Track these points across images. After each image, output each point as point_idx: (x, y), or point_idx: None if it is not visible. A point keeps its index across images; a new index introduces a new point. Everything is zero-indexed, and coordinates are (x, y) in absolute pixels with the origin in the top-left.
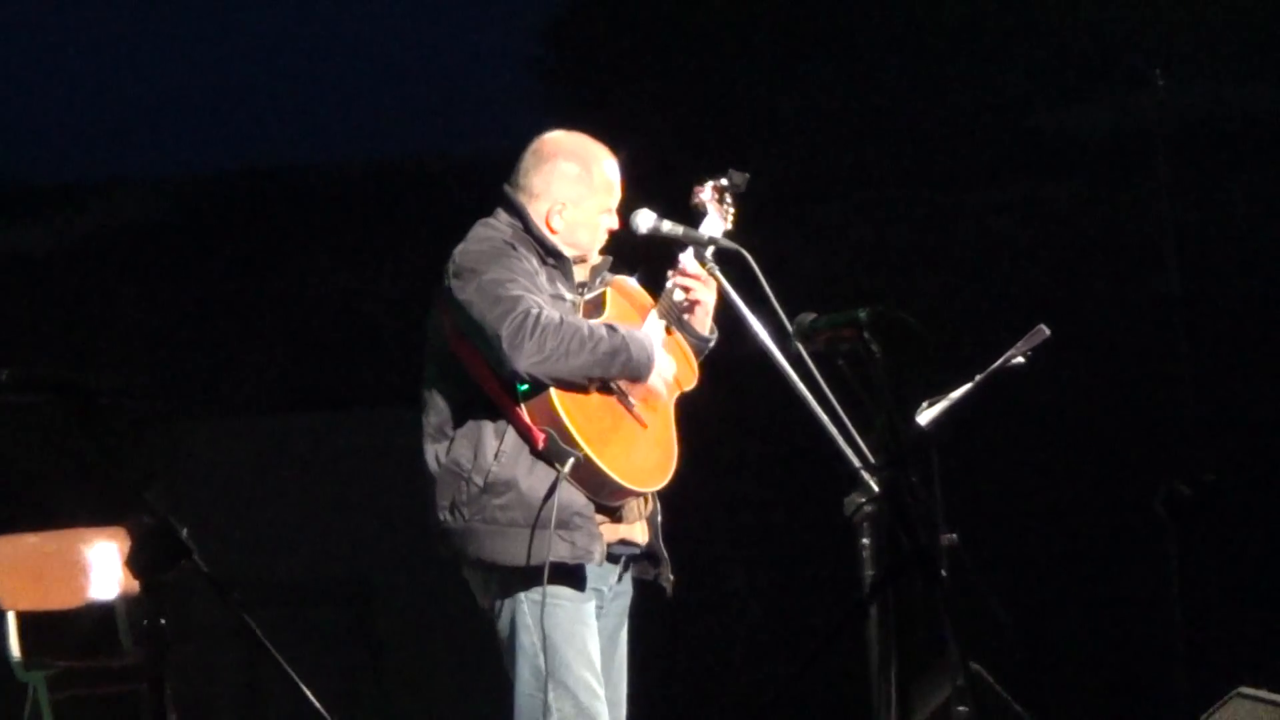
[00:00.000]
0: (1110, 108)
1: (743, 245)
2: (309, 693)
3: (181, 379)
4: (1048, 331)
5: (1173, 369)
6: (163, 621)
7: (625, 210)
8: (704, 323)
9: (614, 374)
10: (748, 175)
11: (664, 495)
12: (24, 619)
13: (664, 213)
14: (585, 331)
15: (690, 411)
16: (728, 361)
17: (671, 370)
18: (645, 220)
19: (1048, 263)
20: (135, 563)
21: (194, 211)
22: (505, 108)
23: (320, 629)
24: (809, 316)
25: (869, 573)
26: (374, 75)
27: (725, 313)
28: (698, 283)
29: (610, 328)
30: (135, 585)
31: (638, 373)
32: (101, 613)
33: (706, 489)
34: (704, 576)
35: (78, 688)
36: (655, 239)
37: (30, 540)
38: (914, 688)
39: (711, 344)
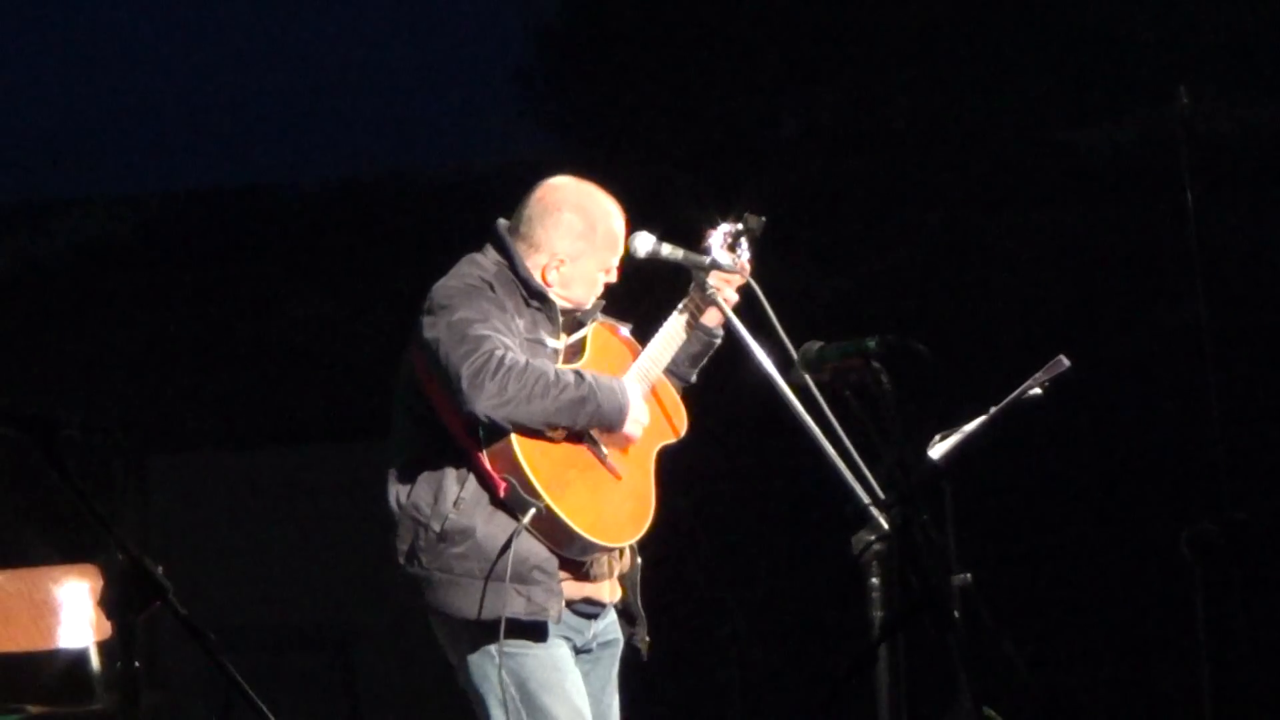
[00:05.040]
0: (1133, 126)
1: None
2: None
3: (148, 410)
4: (1067, 363)
5: (1199, 401)
6: (136, 665)
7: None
8: (715, 318)
9: (581, 423)
10: (764, 220)
11: (657, 536)
12: None
13: (663, 235)
14: (551, 377)
15: (687, 444)
16: (728, 392)
17: (646, 418)
18: (644, 243)
19: (1067, 288)
20: (107, 603)
21: (162, 232)
22: (494, 121)
23: (298, 674)
24: (815, 345)
25: (878, 614)
26: (358, 88)
27: (727, 340)
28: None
29: (579, 375)
30: (107, 627)
31: (607, 422)
32: (72, 656)
33: (704, 528)
34: (703, 620)
35: None
36: (654, 263)
37: None
38: None
39: (717, 343)
